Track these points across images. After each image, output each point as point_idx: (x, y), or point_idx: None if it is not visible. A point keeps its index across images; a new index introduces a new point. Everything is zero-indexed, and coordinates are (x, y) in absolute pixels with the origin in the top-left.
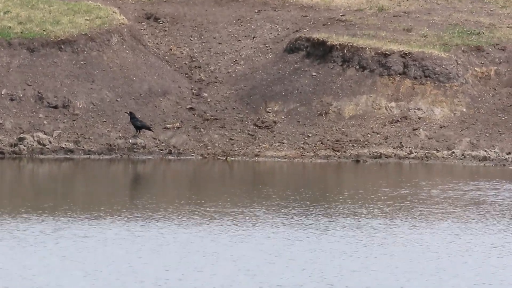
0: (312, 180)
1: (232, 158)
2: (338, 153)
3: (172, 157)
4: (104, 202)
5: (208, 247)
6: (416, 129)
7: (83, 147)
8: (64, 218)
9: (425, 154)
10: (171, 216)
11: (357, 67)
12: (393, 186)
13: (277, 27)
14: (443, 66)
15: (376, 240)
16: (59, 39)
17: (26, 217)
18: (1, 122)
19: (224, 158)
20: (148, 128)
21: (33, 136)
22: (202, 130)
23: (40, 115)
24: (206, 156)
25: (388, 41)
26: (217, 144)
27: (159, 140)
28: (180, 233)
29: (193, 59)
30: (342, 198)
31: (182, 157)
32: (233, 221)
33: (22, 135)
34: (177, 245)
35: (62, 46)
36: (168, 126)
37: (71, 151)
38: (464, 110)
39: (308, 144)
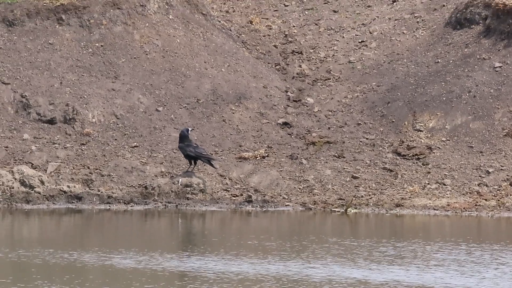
0: (501, 250)
1: (357, 210)
2: None
3: (253, 209)
4: None
5: None
6: None
7: (98, 190)
8: None
9: None
10: None
11: None
12: None
13: None
14: None
15: None
16: (58, 4)
17: None
18: None
19: (343, 210)
20: (209, 160)
21: (12, 172)
22: (304, 161)
23: (25, 136)
24: (312, 206)
25: None
26: (330, 186)
27: (230, 179)
28: None
29: (289, 39)
30: None
31: (270, 208)
32: None
33: None
34: None
35: (63, 17)
36: (245, 155)
37: (78, 197)
38: None
39: (487, 186)
